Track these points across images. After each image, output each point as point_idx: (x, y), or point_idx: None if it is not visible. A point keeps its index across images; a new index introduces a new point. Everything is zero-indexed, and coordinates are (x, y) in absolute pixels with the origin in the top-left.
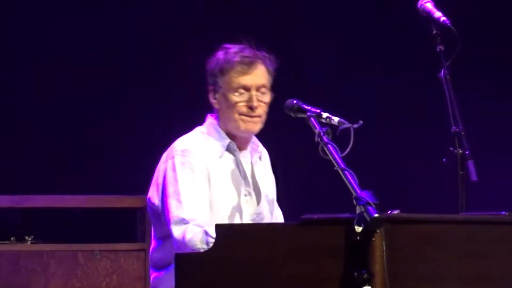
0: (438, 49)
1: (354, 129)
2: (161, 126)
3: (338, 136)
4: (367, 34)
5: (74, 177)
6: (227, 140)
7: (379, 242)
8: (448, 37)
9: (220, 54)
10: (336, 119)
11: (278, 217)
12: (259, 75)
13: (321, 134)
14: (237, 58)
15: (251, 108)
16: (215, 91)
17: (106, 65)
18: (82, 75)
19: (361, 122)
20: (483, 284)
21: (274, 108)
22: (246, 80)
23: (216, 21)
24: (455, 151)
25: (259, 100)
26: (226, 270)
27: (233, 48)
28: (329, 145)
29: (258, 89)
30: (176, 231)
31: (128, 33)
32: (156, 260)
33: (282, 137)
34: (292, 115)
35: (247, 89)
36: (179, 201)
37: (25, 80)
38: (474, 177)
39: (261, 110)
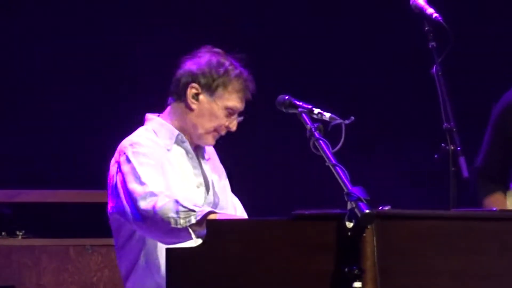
0: (430, 46)
1: (346, 125)
2: None
3: (330, 132)
4: (360, 29)
5: (66, 172)
6: (176, 132)
7: (370, 238)
8: (441, 33)
9: (224, 60)
10: (327, 115)
11: (236, 205)
12: (244, 103)
13: (313, 129)
14: (244, 83)
15: (228, 130)
16: (201, 93)
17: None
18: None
19: (352, 118)
20: (474, 280)
21: (265, 104)
22: (239, 106)
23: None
24: (447, 147)
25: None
26: (217, 266)
27: (237, 66)
28: (321, 141)
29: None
30: (145, 203)
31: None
32: (122, 271)
33: (273, 133)
34: (284, 110)
35: (234, 112)
36: (142, 183)
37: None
38: (465, 173)
39: None
